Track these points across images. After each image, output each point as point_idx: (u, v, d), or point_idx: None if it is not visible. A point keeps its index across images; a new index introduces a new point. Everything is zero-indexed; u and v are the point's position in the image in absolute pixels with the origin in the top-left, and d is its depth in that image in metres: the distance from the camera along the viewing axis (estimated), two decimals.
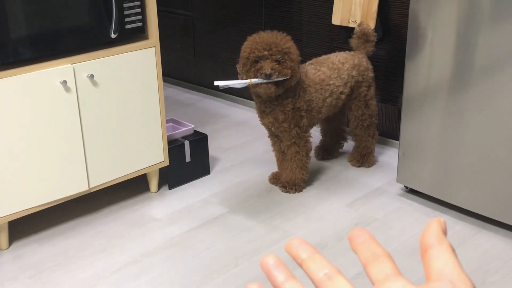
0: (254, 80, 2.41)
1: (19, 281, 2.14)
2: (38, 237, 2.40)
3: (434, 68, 2.33)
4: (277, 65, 2.39)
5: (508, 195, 2.24)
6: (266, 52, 2.40)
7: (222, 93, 3.81)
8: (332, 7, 2.96)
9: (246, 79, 2.43)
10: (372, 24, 2.79)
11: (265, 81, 2.39)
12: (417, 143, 2.46)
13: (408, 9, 2.36)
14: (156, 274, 2.17)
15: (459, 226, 2.38)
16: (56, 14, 2.21)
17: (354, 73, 2.67)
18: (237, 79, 2.51)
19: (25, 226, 2.44)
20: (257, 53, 2.40)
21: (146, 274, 2.17)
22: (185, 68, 4.04)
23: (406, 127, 2.49)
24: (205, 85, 3.95)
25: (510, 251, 2.22)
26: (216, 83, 2.44)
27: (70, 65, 2.26)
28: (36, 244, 2.35)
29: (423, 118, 2.41)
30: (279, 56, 2.40)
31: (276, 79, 2.39)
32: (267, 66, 2.38)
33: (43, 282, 2.14)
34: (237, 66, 2.52)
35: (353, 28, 2.86)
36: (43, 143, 2.25)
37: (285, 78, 2.41)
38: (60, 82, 2.23)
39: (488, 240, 2.29)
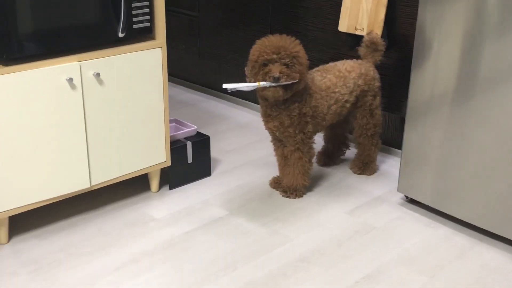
0: (262, 83, 2.41)
1: (18, 276, 2.15)
2: (38, 232, 2.40)
3: (439, 78, 2.34)
4: (285, 69, 2.40)
5: (507, 208, 2.25)
6: (275, 56, 2.40)
7: (226, 95, 3.82)
8: (339, 13, 2.96)
9: (255, 82, 2.44)
10: (378, 32, 2.80)
11: (273, 84, 2.40)
12: (419, 153, 2.47)
13: (415, 18, 2.36)
14: (154, 274, 2.17)
15: (458, 238, 2.39)
16: (64, 11, 2.22)
17: (360, 82, 2.68)
18: (244, 81, 2.52)
19: (25, 221, 2.44)
20: (265, 56, 2.41)
21: (144, 273, 2.17)
22: (189, 68, 4.05)
23: (409, 137, 2.50)
24: (208, 86, 3.96)
25: (509, 264, 2.23)
26: (224, 85, 2.44)
27: (77, 62, 2.26)
28: (36, 239, 2.36)
29: (426, 128, 2.42)
30: (288, 60, 2.41)
31: (284, 83, 2.40)
32: (275, 70, 2.39)
33: (42, 278, 2.14)
34: (245, 69, 2.52)
35: (359, 36, 2.86)
36: (46, 139, 2.25)
37: (294, 81, 2.42)
38: (66, 79, 2.23)
39: (486, 253, 2.30)
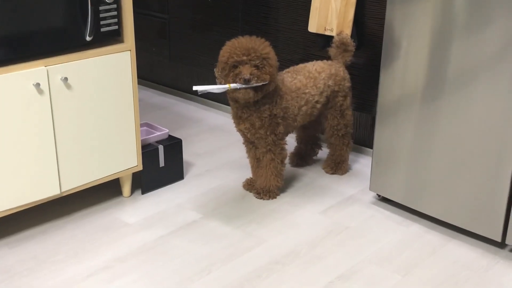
0: (233, 85, 2.41)
1: None
2: (8, 240, 2.36)
3: (408, 77, 2.35)
4: (255, 70, 2.40)
5: (478, 205, 2.28)
6: (245, 57, 2.40)
7: (197, 97, 3.81)
8: (308, 14, 2.97)
9: (225, 84, 2.43)
10: (348, 32, 2.81)
11: (243, 86, 2.40)
12: (390, 152, 2.49)
13: (384, 18, 2.38)
14: (128, 280, 2.15)
15: (430, 235, 2.41)
16: (31, 15, 2.18)
17: (330, 82, 2.69)
18: (214, 83, 2.51)
19: None
20: (236, 58, 2.41)
21: (118, 279, 2.15)
22: (160, 71, 4.02)
23: (380, 136, 2.51)
24: (180, 89, 3.94)
25: (480, 260, 2.26)
26: (194, 88, 2.43)
27: (44, 67, 2.23)
28: (6, 247, 2.32)
29: (397, 127, 2.44)
30: (258, 62, 2.40)
31: (255, 84, 2.40)
32: (246, 71, 2.39)
33: (14, 286, 2.10)
34: (215, 70, 2.51)
35: (329, 36, 2.88)
36: (14, 145, 2.22)
37: (264, 83, 2.42)
38: (33, 84, 2.20)
39: (458, 250, 2.32)
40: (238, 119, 2.57)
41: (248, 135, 2.59)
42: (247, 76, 2.38)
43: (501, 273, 2.19)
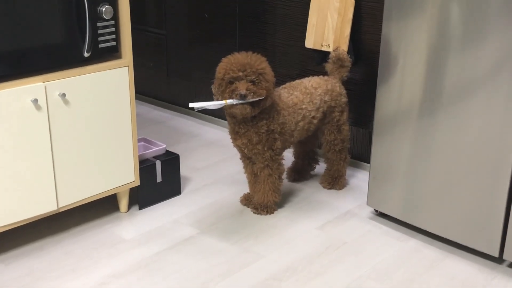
0: (229, 101, 2.42)
1: None
2: (4, 257, 2.35)
3: (405, 92, 2.36)
4: (252, 86, 2.41)
5: (475, 220, 2.28)
6: (240, 73, 2.41)
7: (194, 112, 3.81)
8: (305, 30, 2.99)
9: (222, 100, 2.44)
10: (344, 48, 2.83)
11: (240, 101, 2.40)
12: (387, 167, 2.49)
13: (380, 34, 2.39)
14: None
15: (428, 251, 2.41)
16: (29, 31, 2.19)
17: (326, 98, 2.70)
18: (211, 99, 2.52)
19: None
20: (232, 74, 2.42)
21: None
22: (157, 86, 4.03)
23: (377, 151, 2.52)
24: (177, 104, 3.94)
25: (478, 276, 2.25)
26: (191, 104, 2.44)
27: (42, 83, 2.23)
28: (2, 264, 2.31)
29: (394, 142, 2.44)
30: (254, 77, 2.41)
31: (251, 100, 2.41)
32: (242, 87, 2.40)
33: None
34: (212, 87, 2.52)
35: (326, 52, 2.89)
36: (11, 161, 2.21)
37: (260, 98, 2.42)
38: (31, 100, 2.20)
39: (456, 265, 2.32)
40: (235, 135, 2.57)
41: (246, 151, 2.59)
42: (243, 91, 2.39)
43: None
